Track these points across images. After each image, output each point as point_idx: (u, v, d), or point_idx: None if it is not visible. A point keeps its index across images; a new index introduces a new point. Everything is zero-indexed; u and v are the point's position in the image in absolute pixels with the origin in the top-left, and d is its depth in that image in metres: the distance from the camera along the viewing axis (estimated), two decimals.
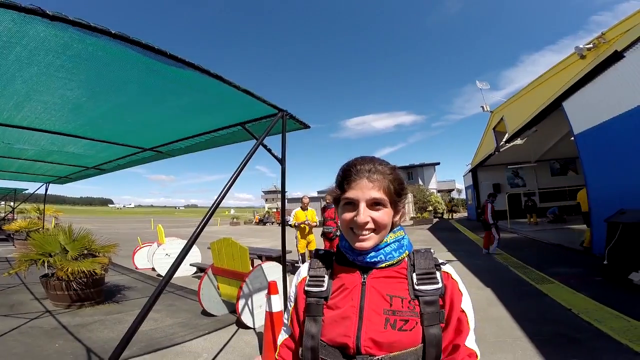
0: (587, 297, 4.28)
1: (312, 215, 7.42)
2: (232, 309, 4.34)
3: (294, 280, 0.98)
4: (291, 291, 0.98)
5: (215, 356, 3.07)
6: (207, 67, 2.15)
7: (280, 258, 3.40)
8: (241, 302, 3.80)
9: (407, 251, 0.91)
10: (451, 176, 57.67)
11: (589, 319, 3.51)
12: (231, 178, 2.39)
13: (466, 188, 28.50)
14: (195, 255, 7.66)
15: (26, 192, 11.87)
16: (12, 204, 14.58)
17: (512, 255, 8.13)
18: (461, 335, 0.83)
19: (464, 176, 27.85)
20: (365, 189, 0.84)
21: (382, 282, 0.86)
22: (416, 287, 0.84)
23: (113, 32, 1.68)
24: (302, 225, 7.27)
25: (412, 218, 27.13)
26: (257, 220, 33.66)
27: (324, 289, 0.90)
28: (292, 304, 0.96)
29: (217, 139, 4.08)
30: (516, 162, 19.81)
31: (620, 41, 6.40)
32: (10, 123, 3.03)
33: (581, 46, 7.05)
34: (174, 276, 6.47)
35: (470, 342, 0.84)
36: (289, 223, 7.18)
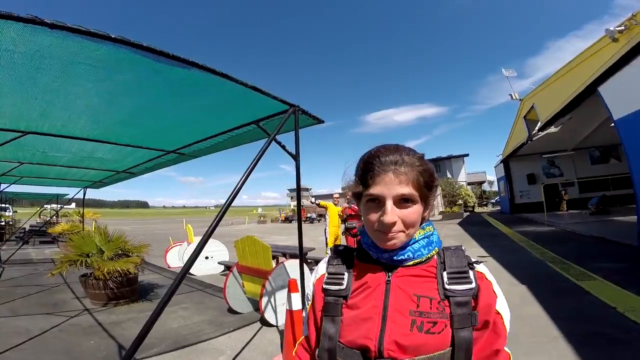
0: (635, 295, 3.94)
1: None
2: (257, 306, 4.40)
3: (311, 278, 0.92)
4: (309, 289, 0.92)
5: (238, 354, 3.10)
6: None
7: (305, 255, 3.38)
8: (264, 300, 3.84)
9: (437, 248, 0.84)
10: (481, 168, 55.54)
11: (636, 317, 3.23)
12: (244, 174, 2.40)
13: (498, 179, 27.31)
14: (223, 253, 7.86)
15: (67, 197, 12.67)
16: (55, 207, 15.64)
17: (549, 250, 7.68)
18: (499, 339, 0.76)
19: (495, 167, 26.70)
20: (392, 185, 0.75)
21: (409, 281, 0.79)
22: (447, 287, 0.76)
23: (131, 40, 1.72)
24: (322, 203, 7.51)
25: (441, 212, 26.40)
26: (283, 218, 34.07)
27: (343, 287, 0.84)
28: (310, 303, 0.90)
29: (235, 138, 4.13)
30: (551, 150, 18.74)
31: None
32: (40, 131, 3.21)
33: (612, 29, 6.57)
34: (203, 274, 6.65)
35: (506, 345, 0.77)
36: (315, 202, 7.68)
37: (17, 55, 1.81)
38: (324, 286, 0.85)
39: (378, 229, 0.76)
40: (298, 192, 3.18)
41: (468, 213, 27.62)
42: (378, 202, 0.76)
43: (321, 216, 30.57)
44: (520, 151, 18.70)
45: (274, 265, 4.26)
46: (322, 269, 0.90)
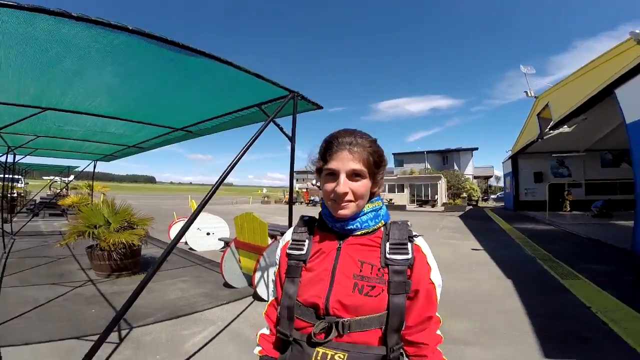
0: (611, 296, 4.09)
1: None
2: (251, 281, 4.65)
3: (279, 245, 1.04)
4: (277, 255, 1.03)
5: (228, 324, 3.35)
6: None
7: None
8: (257, 275, 4.07)
9: (383, 221, 0.96)
10: (490, 162, 54.89)
11: (606, 318, 3.38)
12: (242, 150, 2.59)
13: (505, 175, 27.11)
14: (224, 230, 8.13)
15: (78, 169, 12.98)
16: (66, 180, 15.96)
17: (543, 248, 7.80)
18: (432, 306, 0.89)
19: (503, 163, 26.46)
20: (346, 161, 0.88)
21: (356, 248, 0.92)
22: (387, 256, 0.88)
23: (146, 31, 1.89)
24: None
25: (443, 204, 26.44)
26: (287, 200, 34.29)
27: (303, 252, 0.96)
28: (277, 267, 1.02)
29: (239, 120, 4.29)
30: (563, 150, 18.47)
31: None
32: (59, 107, 3.41)
33: (638, 31, 6.39)
34: (204, 250, 6.92)
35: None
36: (317, 185, 7.60)
37: (45, 42, 1.99)
38: (288, 251, 0.98)
39: (333, 199, 0.90)
40: (291, 171, 3.35)
41: (471, 207, 27.59)
42: (334, 176, 0.89)
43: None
44: (530, 148, 18.49)
45: (270, 242, 4.47)
46: (287, 236, 1.03)
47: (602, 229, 10.59)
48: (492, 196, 38.13)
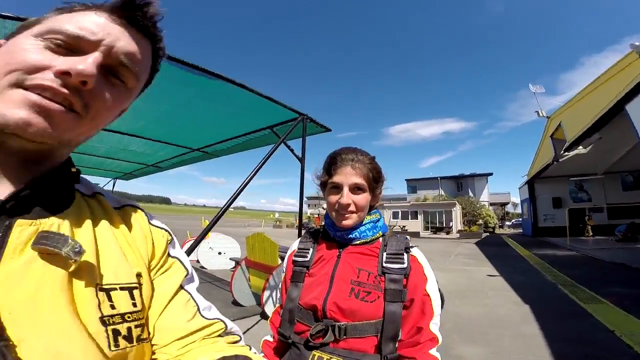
0: (638, 320, 3.86)
1: None
2: (259, 301, 4.61)
3: (287, 253, 1.11)
4: (284, 264, 1.10)
5: None
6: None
7: None
8: (266, 294, 4.05)
9: (380, 232, 1.03)
10: (506, 188, 53.86)
11: (631, 342, 3.19)
12: (254, 170, 2.67)
13: (522, 201, 26.44)
14: (235, 250, 8.16)
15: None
16: None
17: (564, 273, 7.46)
18: (424, 317, 0.89)
19: (519, 188, 25.88)
20: (349, 175, 0.97)
21: (355, 256, 0.98)
22: (384, 265, 0.93)
23: (170, 55, 2.05)
24: None
25: (459, 231, 25.85)
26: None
27: (307, 259, 1.03)
28: (284, 274, 1.08)
29: (252, 141, 4.44)
30: (580, 173, 17.99)
31: None
32: None
33: (637, 43, 6.35)
34: (215, 269, 6.93)
35: (433, 326, 0.90)
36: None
37: None
38: (294, 258, 1.06)
39: (337, 209, 0.98)
40: (301, 191, 3.41)
41: (488, 234, 26.83)
42: (338, 189, 0.98)
43: None
44: (546, 172, 18.09)
45: (279, 263, 4.48)
46: (295, 245, 1.11)
47: (627, 253, 10.10)
48: (507, 223, 37.02)
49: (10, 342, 0.32)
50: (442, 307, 1.04)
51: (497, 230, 30.04)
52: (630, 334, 3.42)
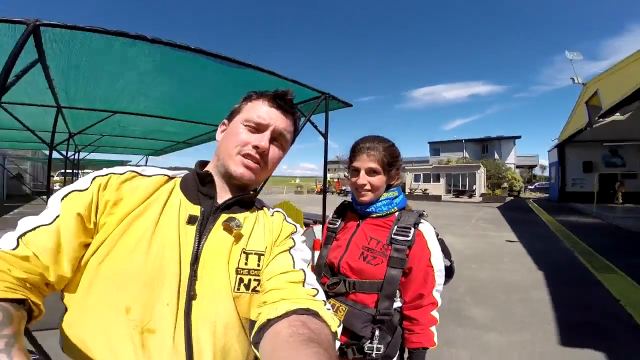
0: None
1: None
2: None
3: (325, 222, 1.44)
4: (321, 229, 1.48)
5: None
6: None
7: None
8: None
9: (396, 207, 1.25)
10: (535, 151, 51.62)
11: (634, 312, 3.39)
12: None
13: (550, 164, 25.55)
14: None
15: (130, 163, 14.10)
16: None
17: (583, 241, 7.53)
18: (426, 285, 1.14)
19: (548, 152, 24.91)
20: (365, 161, 1.20)
21: (371, 227, 1.24)
22: (393, 236, 1.16)
23: (204, 49, 2.27)
24: None
25: (482, 195, 25.56)
26: (319, 190, 34.84)
27: (336, 226, 1.33)
28: (320, 238, 1.43)
29: None
30: (616, 139, 17.07)
31: None
32: (126, 110, 4.02)
33: None
34: None
35: (435, 293, 1.15)
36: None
37: (121, 58, 2.44)
38: (328, 225, 1.37)
39: (356, 188, 1.24)
40: (325, 166, 3.66)
41: (512, 197, 26.39)
42: (357, 171, 1.23)
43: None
44: (578, 137, 17.28)
45: (304, 228, 4.89)
46: (331, 216, 1.40)
47: None
48: (529, 187, 35.92)
49: (196, 279, 0.63)
50: (451, 277, 1.31)
51: (522, 194, 29.41)
52: (636, 304, 3.61)
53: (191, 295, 0.61)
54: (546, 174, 35.11)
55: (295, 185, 44.77)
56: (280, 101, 0.78)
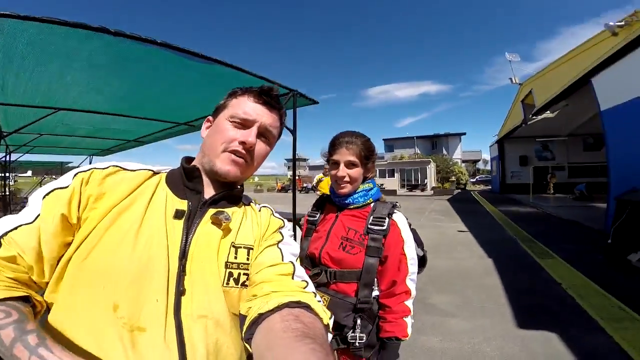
0: (580, 274, 4.50)
1: None
2: None
3: (305, 215, 1.42)
4: (302, 222, 1.44)
5: None
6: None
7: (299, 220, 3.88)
8: None
9: (371, 199, 1.29)
10: (479, 147, 55.82)
11: (574, 294, 3.76)
12: None
13: (491, 159, 27.78)
14: None
15: (71, 164, 12.76)
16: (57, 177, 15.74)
17: (524, 229, 8.26)
18: (400, 273, 1.18)
19: (490, 147, 27.07)
20: (344, 154, 1.23)
21: (348, 218, 1.27)
22: (369, 226, 1.21)
23: (159, 41, 2.07)
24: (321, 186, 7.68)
25: (433, 188, 27.06)
26: (279, 188, 34.56)
27: (316, 218, 1.36)
28: (301, 231, 1.39)
29: None
30: (546, 135, 19.02)
31: None
32: (72, 107, 3.60)
33: (612, 24, 6.72)
34: None
35: (409, 282, 1.19)
36: (313, 187, 7.84)
37: (62, 48, 2.16)
38: (308, 218, 1.38)
39: (335, 180, 1.26)
40: (294, 163, 3.62)
41: (460, 190, 28.29)
42: (336, 164, 1.25)
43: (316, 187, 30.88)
44: (515, 133, 18.96)
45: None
46: (310, 209, 1.41)
47: (581, 211, 11.13)
48: (471, 180, 39.01)
49: (185, 274, 0.61)
50: (424, 266, 1.39)
51: (469, 187, 31.66)
52: (574, 286, 4.03)
53: (180, 291, 0.60)
54: (488, 167, 38.14)
55: (255, 183, 43.91)
56: (266, 97, 0.76)
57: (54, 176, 17.33)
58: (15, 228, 0.55)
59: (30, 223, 0.56)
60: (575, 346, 2.62)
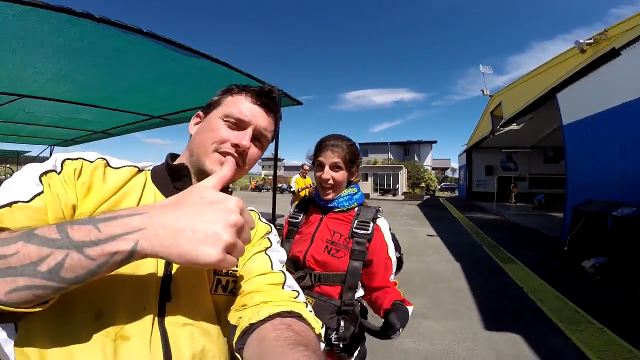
0: (540, 279, 4.81)
1: (310, 182, 7.74)
2: None
3: (285, 216, 1.43)
4: (282, 222, 1.41)
5: None
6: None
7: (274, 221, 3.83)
8: None
9: (356, 203, 1.31)
10: (448, 155, 57.95)
11: (535, 297, 4.02)
12: None
13: (460, 167, 28.96)
14: None
15: (28, 154, 11.84)
16: (14, 167, 14.59)
17: (488, 235, 8.69)
18: (387, 274, 1.24)
19: (459, 155, 28.21)
20: (329, 157, 1.24)
21: (333, 221, 1.28)
22: (354, 230, 1.23)
23: (144, 30, 1.98)
24: (303, 192, 7.61)
25: (404, 193, 27.76)
26: (253, 187, 34.10)
27: (298, 220, 1.34)
28: (282, 231, 1.35)
29: None
30: (511, 146, 20.11)
31: (620, 39, 6.47)
32: (36, 95, 3.35)
33: (581, 41, 7.14)
34: None
35: (392, 277, 1.26)
36: (292, 190, 7.69)
37: (27, 30, 2.02)
38: (289, 219, 1.37)
39: (320, 183, 1.27)
40: (275, 162, 3.58)
41: (429, 196, 29.22)
42: (322, 166, 1.26)
43: (291, 188, 30.69)
44: (483, 143, 19.89)
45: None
46: (291, 209, 1.43)
47: (540, 220, 11.89)
48: (438, 186, 40.62)
49: (171, 279, 0.58)
50: (401, 268, 1.42)
51: (437, 193, 32.78)
52: (534, 290, 4.30)
53: (167, 298, 0.57)
54: (456, 175, 39.69)
55: None
56: (265, 98, 0.72)
57: (8, 165, 16.13)
58: (9, 204, 0.48)
59: (27, 202, 0.50)
60: (538, 347, 2.80)
